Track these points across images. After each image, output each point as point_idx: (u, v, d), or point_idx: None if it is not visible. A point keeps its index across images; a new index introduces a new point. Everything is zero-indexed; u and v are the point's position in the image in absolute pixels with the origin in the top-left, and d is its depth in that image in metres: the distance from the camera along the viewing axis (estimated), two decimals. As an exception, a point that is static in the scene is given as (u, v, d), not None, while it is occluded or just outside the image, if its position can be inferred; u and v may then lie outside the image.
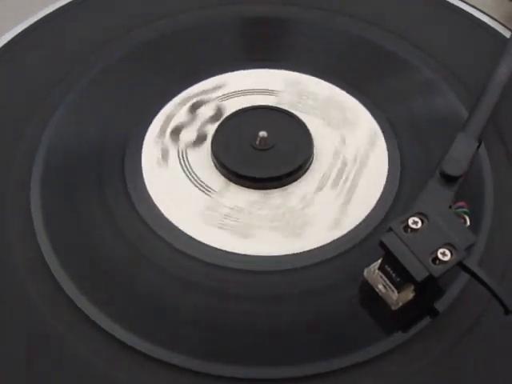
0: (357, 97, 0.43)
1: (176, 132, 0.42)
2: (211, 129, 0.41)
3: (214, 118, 0.42)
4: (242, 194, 0.39)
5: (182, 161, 0.40)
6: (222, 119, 0.41)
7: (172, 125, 0.42)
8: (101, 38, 0.47)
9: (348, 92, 0.43)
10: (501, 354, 0.33)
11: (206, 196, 0.38)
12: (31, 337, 0.33)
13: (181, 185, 0.39)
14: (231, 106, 0.42)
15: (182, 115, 0.42)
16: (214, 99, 0.43)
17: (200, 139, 0.41)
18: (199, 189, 0.39)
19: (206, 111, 0.43)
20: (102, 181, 0.39)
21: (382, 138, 0.41)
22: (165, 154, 0.40)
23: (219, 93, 0.44)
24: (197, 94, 0.44)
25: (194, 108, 0.43)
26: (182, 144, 0.41)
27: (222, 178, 0.39)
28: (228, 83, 0.44)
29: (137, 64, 0.45)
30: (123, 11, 0.49)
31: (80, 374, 0.32)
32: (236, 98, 0.43)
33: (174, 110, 0.43)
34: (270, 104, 0.42)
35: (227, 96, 0.43)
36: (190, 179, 0.39)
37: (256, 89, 0.44)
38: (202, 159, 0.40)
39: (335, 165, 0.40)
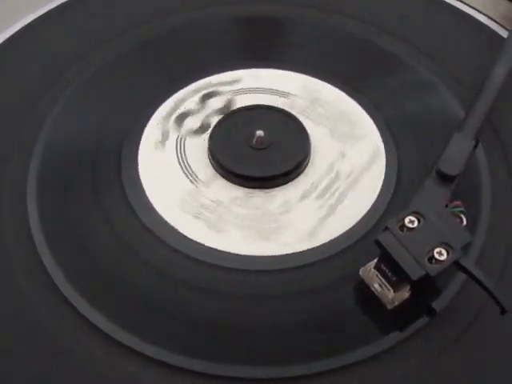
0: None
1: (181, 118, 0.42)
2: (216, 120, 0.41)
3: (221, 111, 0.42)
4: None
5: (178, 147, 0.40)
6: (220, 117, 0.41)
7: (179, 111, 0.42)
8: (99, 37, 0.47)
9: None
10: (498, 354, 0.33)
11: (191, 184, 0.39)
12: (28, 337, 0.33)
13: (172, 171, 0.40)
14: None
15: (191, 103, 0.43)
16: (228, 92, 0.43)
17: (202, 129, 0.41)
18: (187, 177, 0.39)
19: (216, 103, 0.43)
20: (98, 176, 0.39)
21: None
22: (164, 137, 0.41)
23: (234, 87, 0.44)
24: (211, 85, 0.44)
25: (205, 98, 0.43)
26: (183, 130, 0.41)
27: (212, 171, 0.40)
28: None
29: (135, 64, 0.45)
30: (122, 10, 0.49)
31: (78, 374, 0.32)
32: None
33: (185, 96, 0.43)
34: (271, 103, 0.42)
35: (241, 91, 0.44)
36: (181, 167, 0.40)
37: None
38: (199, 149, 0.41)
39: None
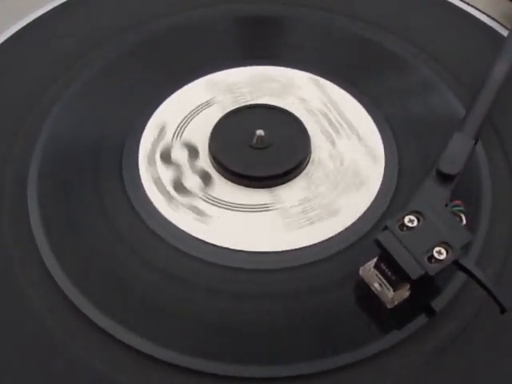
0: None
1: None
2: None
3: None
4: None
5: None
6: (220, 117, 0.41)
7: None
8: (99, 37, 0.47)
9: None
10: (498, 354, 0.33)
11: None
12: (29, 338, 0.33)
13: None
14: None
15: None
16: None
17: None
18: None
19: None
20: (99, 175, 0.39)
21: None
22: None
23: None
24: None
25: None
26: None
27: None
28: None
29: (134, 63, 0.45)
30: (122, 10, 0.49)
31: (79, 375, 0.32)
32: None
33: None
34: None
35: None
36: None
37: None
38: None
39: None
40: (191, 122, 0.42)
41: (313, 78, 0.44)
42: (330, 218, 0.37)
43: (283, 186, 0.39)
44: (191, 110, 0.43)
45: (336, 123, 0.42)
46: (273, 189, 0.39)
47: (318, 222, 0.37)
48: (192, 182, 0.39)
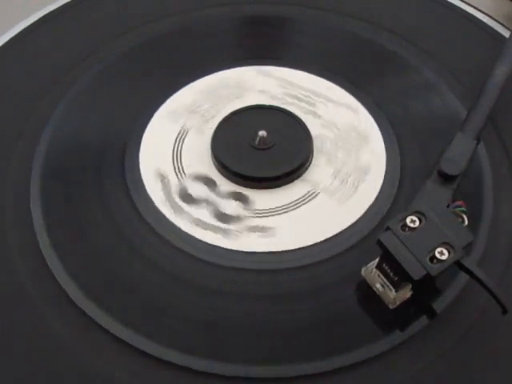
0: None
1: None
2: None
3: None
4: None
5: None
6: (222, 117, 0.41)
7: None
8: (101, 37, 0.47)
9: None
10: (499, 355, 0.33)
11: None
12: (30, 336, 0.33)
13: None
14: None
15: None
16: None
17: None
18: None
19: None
20: (101, 176, 0.39)
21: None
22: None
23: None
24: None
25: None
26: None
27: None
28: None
29: (137, 63, 0.46)
30: (123, 10, 0.49)
31: (80, 374, 0.32)
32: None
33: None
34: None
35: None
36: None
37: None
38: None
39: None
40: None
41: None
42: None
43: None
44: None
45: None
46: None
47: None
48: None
